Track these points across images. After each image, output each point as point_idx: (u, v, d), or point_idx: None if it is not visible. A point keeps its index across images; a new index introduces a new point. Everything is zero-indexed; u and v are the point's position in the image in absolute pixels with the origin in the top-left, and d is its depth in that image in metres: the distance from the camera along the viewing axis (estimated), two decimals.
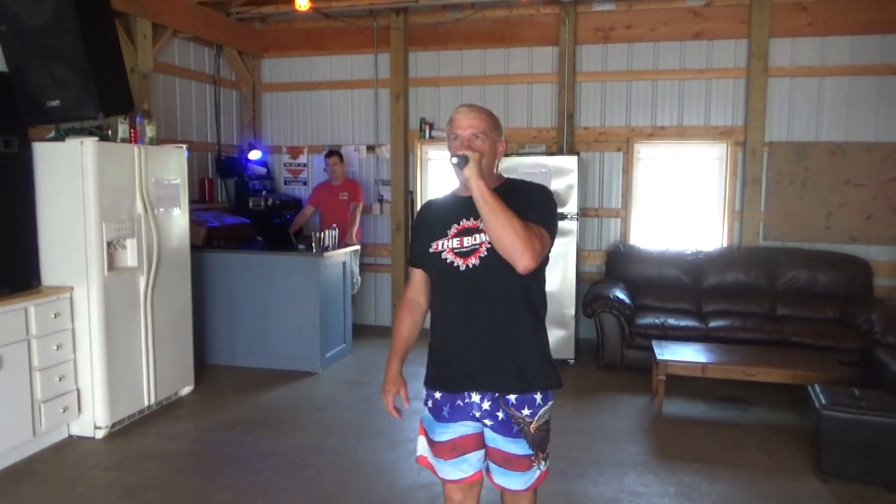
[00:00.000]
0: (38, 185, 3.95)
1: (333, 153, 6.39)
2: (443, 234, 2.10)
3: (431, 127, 6.71)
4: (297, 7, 5.70)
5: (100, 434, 4.11)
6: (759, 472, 3.68)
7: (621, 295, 5.53)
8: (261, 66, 7.16)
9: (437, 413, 2.16)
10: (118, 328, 4.17)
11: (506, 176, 2.21)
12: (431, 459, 2.22)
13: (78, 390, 4.07)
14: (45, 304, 3.83)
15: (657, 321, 5.40)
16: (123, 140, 4.23)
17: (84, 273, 3.99)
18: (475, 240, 2.04)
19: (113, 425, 4.19)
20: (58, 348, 3.92)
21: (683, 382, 4.86)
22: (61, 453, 3.91)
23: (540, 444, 2.13)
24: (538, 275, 2.07)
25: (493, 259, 1.98)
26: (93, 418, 4.11)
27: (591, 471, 3.68)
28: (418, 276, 2.26)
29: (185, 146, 4.76)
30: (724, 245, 6.15)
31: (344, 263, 5.84)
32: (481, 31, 6.47)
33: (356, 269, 6.30)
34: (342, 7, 6.28)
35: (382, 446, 4.02)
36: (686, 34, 6.07)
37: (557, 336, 5.60)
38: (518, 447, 2.10)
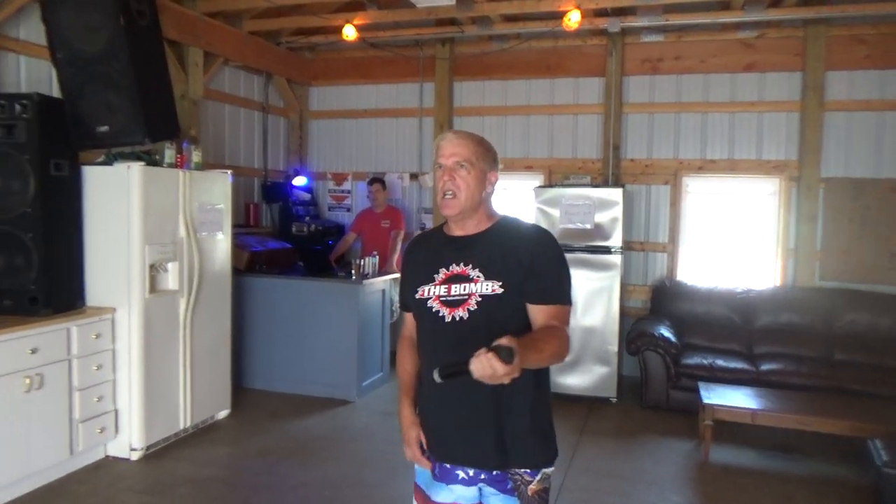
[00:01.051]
0: (86, 207, 4.05)
1: (376, 180, 6.40)
2: (429, 280, 1.88)
3: None
4: (344, 37, 5.78)
5: (135, 455, 4.13)
6: None
7: (667, 333, 5.34)
8: (308, 93, 7.28)
9: (432, 469, 1.93)
10: (157, 350, 4.20)
11: (503, 215, 1.94)
12: None
13: (116, 411, 4.10)
14: (88, 325, 3.88)
15: (705, 362, 5.18)
16: (170, 165, 4.30)
17: (126, 295, 4.05)
18: (465, 289, 1.81)
19: (148, 447, 4.20)
20: (98, 368, 3.97)
21: (731, 428, 4.62)
22: (96, 474, 3.93)
23: None
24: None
25: (485, 314, 1.78)
26: (129, 439, 4.13)
27: None
28: (410, 318, 2.03)
29: (229, 172, 4.82)
30: (778, 284, 5.90)
31: (383, 291, 5.81)
32: (527, 61, 6.45)
33: (396, 297, 6.26)
34: (388, 37, 6.35)
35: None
36: (737, 66, 5.93)
37: (599, 373, 5.44)
38: None
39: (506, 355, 1.49)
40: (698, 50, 6.01)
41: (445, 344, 1.83)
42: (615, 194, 5.49)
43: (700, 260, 6.21)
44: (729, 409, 4.28)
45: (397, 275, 6.08)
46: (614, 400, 5.52)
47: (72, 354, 3.80)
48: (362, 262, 5.53)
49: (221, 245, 4.77)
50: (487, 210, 1.92)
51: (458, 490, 1.89)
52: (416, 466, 1.98)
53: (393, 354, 6.19)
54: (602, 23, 5.64)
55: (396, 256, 6.23)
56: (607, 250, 5.41)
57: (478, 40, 6.50)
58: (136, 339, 4.07)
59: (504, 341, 1.52)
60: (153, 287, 4.15)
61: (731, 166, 6.02)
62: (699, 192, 6.18)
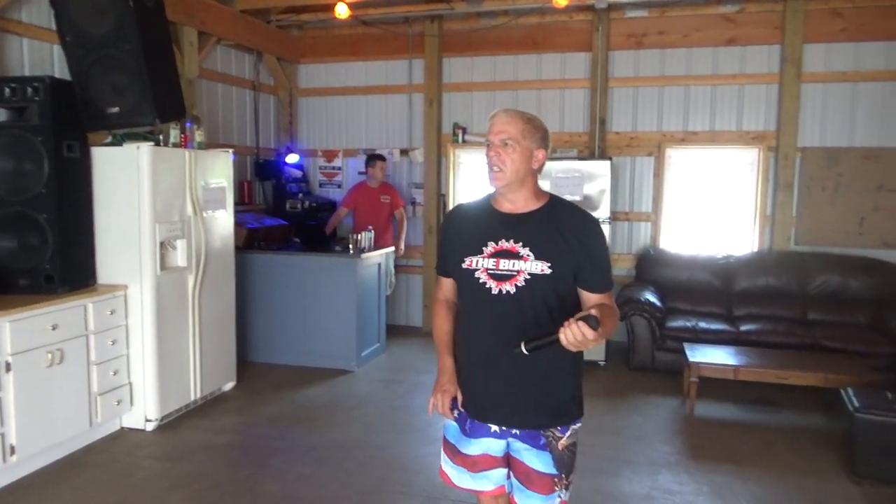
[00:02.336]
0: (96, 187, 4.15)
1: (379, 157, 6.49)
2: (477, 251, 1.99)
3: (464, 131, 6.83)
4: (336, 15, 5.86)
5: (150, 426, 4.30)
6: (790, 473, 3.75)
7: (652, 298, 5.60)
8: (298, 71, 7.35)
9: (461, 425, 2.11)
10: (168, 325, 4.36)
11: (551, 195, 2.06)
12: (453, 472, 2.16)
13: (130, 384, 4.26)
14: (103, 302, 4.02)
15: (688, 324, 5.46)
16: (175, 145, 4.41)
17: (138, 272, 4.18)
18: (513, 265, 1.93)
19: (162, 418, 4.37)
20: (113, 343, 4.12)
21: (714, 385, 4.91)
22: (115, 444, 4.10)
23: (566, 465, 2.03)
24: (572, 308, 1.93)
25: (531, 291, 1.91)
26: (144, 411, 4.30)
27: (626, 469, 3.78)
28: (448, 281, 2.16)
29: (231, 150, 4.94)
30: (755, 249, 6.19)
31: (379, 265, 5.99)
32: (514, 37, 6.59)
33: (392, 269, 6.46)
34: (379, 14, 6.44)
35: (420, 442, 4.15)
36: (719, 40, 6.13)
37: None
38: (542, 462, 2.00)
39: (594, 323, 1.68)
40: (681, 25, 6.19)
41: (490, 315, 1.97)
42: (603, 167, 5.70)
43: (682, 228, 6.47)
44: (713, 366, 4.57)
45: (392, 248, 6.34)
46: (603, 363, 5.79)
47: (89, 330, 3.94)
48: (359, 237, 5.68)
49: (225, 222, 4.91)
50: (535, 187, 2.02)
51: (487, 443, 2.07)
52: (446, 422, 2.15)
53: (389, 327, 6.43)
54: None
55: (404, 233, 6.41)
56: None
57: (466, 17, 6.61)
58: (149, 314, 4.22)
59: (593, 311, 1.72)
60: (163, 264, 4.29)
61: (713, 138, 6.25)
62: (681, 163, 6.42)
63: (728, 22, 6.09)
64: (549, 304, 1.93)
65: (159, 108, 3.88)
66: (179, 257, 4.45)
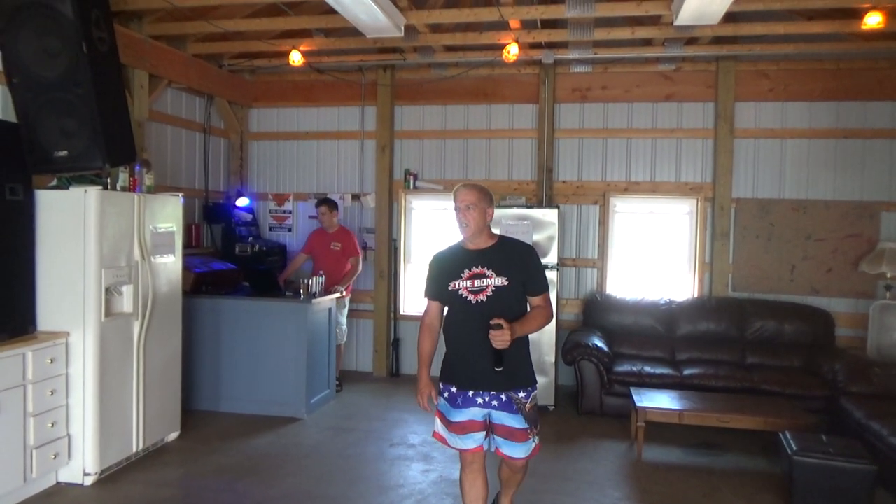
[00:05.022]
0: (39, 231, 4.03)
1: (323, 202, 6.30)
2: (458, 277, 2.97)
3: (416, 178, 6.94)
4: (290, 62, 5.93)
5: (89, 480, 4.11)
6: None
7: (599, 343, 5.74)
8: (249, 115, 7.36)
9: (452, 402, 3.02)
10: (111, 374, 4.21)
11: (500, 235, 3.12)
12: (446, 434, 3.06)
13: (69, 436, 4.08)
14: (42, 350, 3.86)
15: (634, 369, 5.60)
16: (123, 188, 4.34)
17: (81, 318, 4.05)
18: (483, 283, 2.94)
19: (102, 472, 4.18)
20: (52, 394, 3.94)
21: (660, 428, 5.03)
22: (50, 500, 3.90)
23: (533, 420, 3.00)
24: (526, 307, 3.02)
25: (496, 298, 2.92)
26: (82, 465, 4.11)
27: None
28: (434, 306, 3.12)
29: (180, 195, 4.88)
30: (696, 295, 6.44)
31: (330, 310, 5.94)
32: (465, 87, 6.79)
33: (343, 320, 6.34)
34: (332, 62, 6.54)
35: (373, 492, 4.09)
36: (658, 96, 6.47)
37: (538, 383, 5.74)
38: (516, 422, 2.96)
39: (495, 326, 2.78)
40: (623, 81, 6.52)
41: (471, 318, 2.92)
42: (551, 214, 5.87)
43: (627, 274, 6.69)
44: (660, 410, 4.69)
45: (338, 295, 6.25)
46: (552, 408, 5.86)
47: (27, 380, 3.77)
48: (310, 282, 5.64)
49: (173, 267, 4.81)
50: (489, 232, 3.06)
51: (472, 412, 2.99)
52: (440, 398, 3.09)
53: (341, 372, 6.37)
54: (536, 54, 6.04)
55: (351, 281, 6.30)
56: (545, 268, 5.75)
57: (418, 67, 6.78)
58: (91, 363, 4.07)
59: (492, 321, 2.79)
60: (108, 310, 4.17)
61: (654, 188, 6.54)
62: (625, 211, 6.67)
63: (666, 79, 6.44)
64: (509, 305, 2.92)
65: (110, 151, 3.83)
66: (125, 303, 4.33)
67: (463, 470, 3.12)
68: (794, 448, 3.81)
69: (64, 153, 3.79)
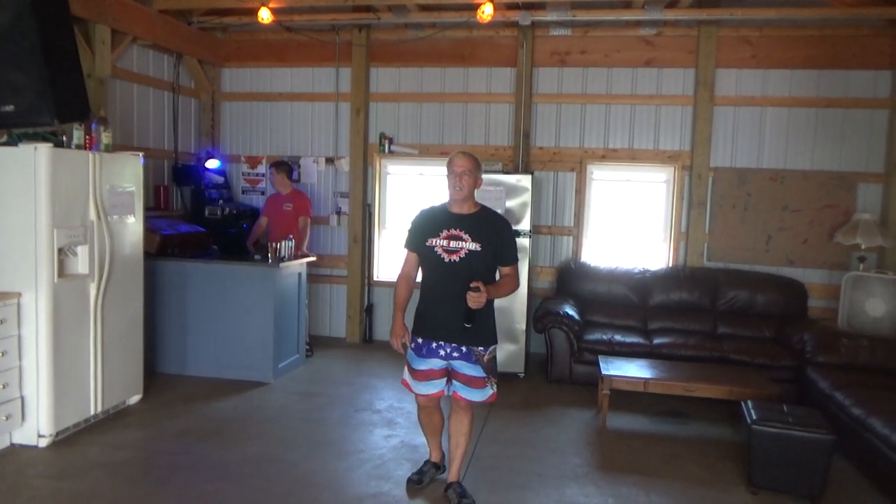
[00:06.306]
0: None
1: (273, 164, 6.31)
2: (436, 234, 3.26)
3: (391, 141, 6.81)
4: (259, 20, 5.75)
5: (43, 442, 4.06)
6: (693, 484, 3.85)
7: (571, 311, 5.69)
8: (221, 75, 7.17)
9: (418, 352, 3.36)
10: (66, 335, 4.13)
11: (482, 205, 3.36)
12: (410, 381, 3.42)
13: (22, 398, 4.01)
14: None
15: (604, 337, 5.57)
16: (78, 146, 4.20)
17: (33, 279, 3.95)
18: (458, 244, 3.22)
19: (57, 434, 4.13)
20: (3, 355, 3.87)
21: (628, 397, 5.02)
22: (2, 462, 3.84)
23: (491, 370, 3.32)
24: (493, 274, 3.31)
25: (468, 260, 3.20)
26: (37, 426, 4.05)
27: (535, 482, 3.80)
28: (412, 257, 3.40)
29: (140, 154, 4.74)
30: (670, 265, 6.39)
31: (299, 274, 5.86)
32: (442, 50, 6.62)
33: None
34: (304, 21, 6.35)
35: (332, 456, 4.06)
36: (638, 61, 6.33)
37: (508, 350, 5.73)
38: (475, 371, 3.28)
39: (474, 289, 3.07)
40: (603, 45, 6.37)
41: (443, 275, 3.23)
42: (525, 180, 5.77)
43: (602, 243, 6.63)
44: (624, 378, 4.67)
45: (312, 258, 6.18)
46: (522, 375, 5.84)
47: None
48: (278, 246, 5.55)
49: (133, 228, 4.70)
50: (473, 200, 3.32)
51: (434, 362, 3.34)
52: (409, 350, 3.40)
53: (311, 337, 6.34)
54: (514, 15, 5.88)
55: (306, 242, 6.23)
56: (517, 234, 5.68)
57: (394, 28, 6.60)
58: (44, 324, 3.99)
59: (472, 284, 3.07)
60: (62, 271, 4.07)
61: (631, 155, 6.44)
62: (602, 179, 6.58)
63: (646, 45, 6.30)
64: (478, 269, 3.20)
65: (59, 108, 3.70)
66: (80, 264, 4.23)
67: (420, 410, 3.57)
68: (755, 417, 3.78)
69: (10, 108, 3.67)
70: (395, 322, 3.42)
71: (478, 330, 3.24)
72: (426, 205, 3.46)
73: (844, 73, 6.02)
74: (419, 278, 3.45)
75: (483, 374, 3.29)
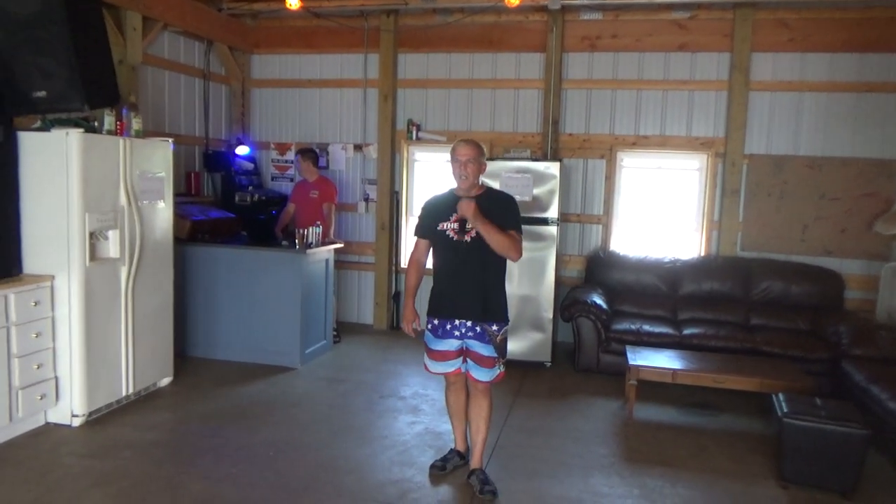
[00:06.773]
0: (23, 173, 3.99)
1: (300, 151, 6.33)
2: (446, 219, 3.38)
3: (419, 128, 6.78)
4: (287, 6, 5.75)
5: (76, 422, 4.16)
6: (721, 476, 3.78)
7: (599, 300, 5.62)
8: (251, 61, 7.21)
9: (434, 333, 3.48)
10: (98, 318, 4.21)
11: (487, 186, 3.49)
12: (427, 361, 3.54)
13: (56, 378, 4.11)
14: (26, 292, 3.87)
15: (633, 327, 5.49)
16: (109, 132, 4.26)
17: (66, 263, 4.03)
18: (468, 225, 3.30)
19: (90, 414, 4.23)
20: (37, 336, 3.96)
21: (656, 388, 4.94)
22: (37, 440, 3.95)
23: (501, 351, 3.42)
24: (504, 259, 3.40)
25: (478, 241, 3.30)
26: (70, 406, 4.15)
27: (560, 471, 3.76)
28: (423, 244, 3.53)
29: (170, 140, 4.80)
30: (702, 254, 6.26)
31: (327, 261, 5.89)
32: (470, 35, 6.55)
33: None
34: (333, 7, 6.34)
35: (356, 442, 4.08)
36: (670, 46, 6.18)
37: (535, 339, 5.69)
38: (486, 351, 3.38)
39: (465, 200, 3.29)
40: (634, 29, 6.23)
41: (455, 256, 3.38)
42: (553, 168, 5.69)
43: (632, 231, 6.52)
44: (652, 369, 4.59)
45: (339, 244, 6.21)
46: (549, 364, 5.79)
47: (10, 322, 3.78)
48: (305, 232, 5.58)
49: (163, 213, 4.77)
50: (479, 183, 3.44)
51: (450, 342, 3.45)
52: (425, 330, 3.55)
53: (339, 324, 6.38)
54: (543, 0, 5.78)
55: (332, 228, 6.25)
56: (545, 221, 5.63)
57: (422, 13, 6.55)
58: (77, 306, 4.07)
59: (461, 215, 3.29)
60: (93, 255, 4.14)
61: (663, 142, 6.31)
62: (632, 166, 6.46)
63: (680, 28, 6.14)
64: (488, 247, 3.28)
65: (89, 93, 3.74)
66: (111, 248, 4.30)
67: (448, 389, 3.66)
68: (786, 410, 3.69)
69: (42, 94, 3.72)
70: (406, 308, 3.58)
71: (490, 306, 3.38)
72: (435, 193, 3.58)
73: (887, 57, 5.78)
74: (429, 265, 3.57)
75: (494, 354, 3.39)
